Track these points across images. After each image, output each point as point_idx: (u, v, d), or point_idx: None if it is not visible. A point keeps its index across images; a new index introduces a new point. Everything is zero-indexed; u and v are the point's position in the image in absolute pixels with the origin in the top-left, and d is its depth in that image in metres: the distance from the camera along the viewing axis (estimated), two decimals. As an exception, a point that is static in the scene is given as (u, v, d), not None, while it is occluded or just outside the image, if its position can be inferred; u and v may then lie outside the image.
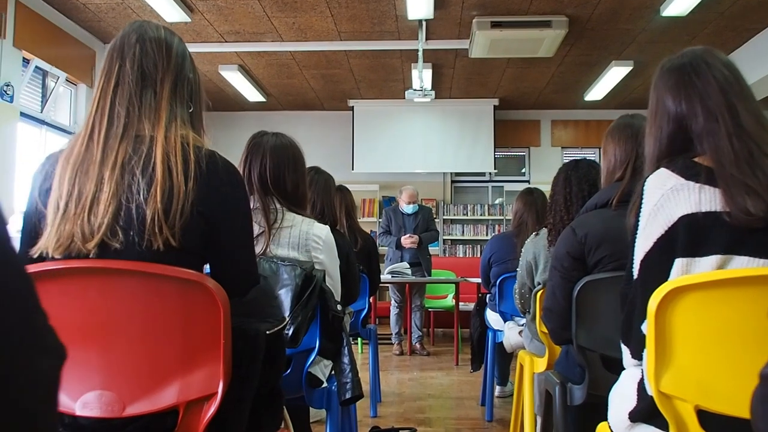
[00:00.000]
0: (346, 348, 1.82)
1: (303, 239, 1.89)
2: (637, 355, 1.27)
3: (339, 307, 1.78)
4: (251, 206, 1.94)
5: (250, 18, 5.97)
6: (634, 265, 1.28)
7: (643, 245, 1.24)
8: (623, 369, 1.59)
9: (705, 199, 1.17)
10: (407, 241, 6.16)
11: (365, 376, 4.27)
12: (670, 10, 5.63)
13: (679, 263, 1.17)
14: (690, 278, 1.14)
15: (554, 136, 9.39)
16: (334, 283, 1.99)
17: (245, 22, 6.07)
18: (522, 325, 3.35)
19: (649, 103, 1.40)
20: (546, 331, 2.55)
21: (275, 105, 9.03)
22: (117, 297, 1.07)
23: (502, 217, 9.13)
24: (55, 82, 6.23)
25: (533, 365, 2.70)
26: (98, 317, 1.06)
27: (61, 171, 1.15)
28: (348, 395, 1.81)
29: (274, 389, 1.27)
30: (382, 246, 6.86)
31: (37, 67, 5.78)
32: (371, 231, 6.76)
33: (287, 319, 1.26)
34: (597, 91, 8.10)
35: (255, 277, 1.27)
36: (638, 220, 1.27)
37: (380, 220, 7.11)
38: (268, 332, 1.15)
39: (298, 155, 2.08)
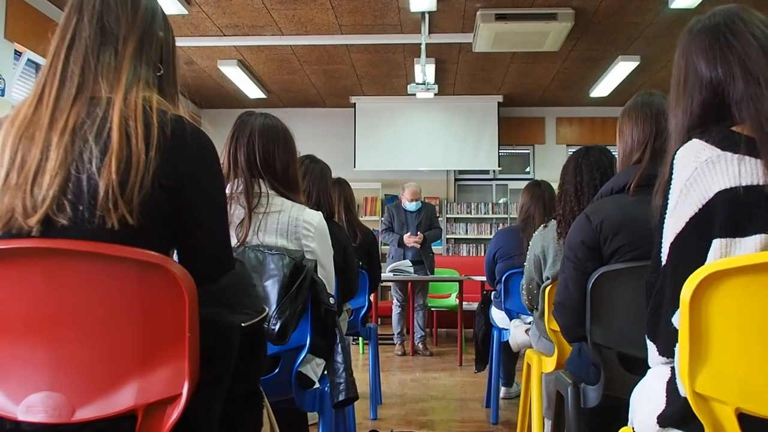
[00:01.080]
0: (339, 345, 1.67)
1: (292, 225, 1.75)
2: (666, 351, 1.12)
3: (332, 301, 1.63)
4: (237, 189, 1.79)
5: (248, 10, 5.83)
6: (662, 250, 1.12)
7: (673, 226, 1.09)
8: (646, 368, 1.44)
9: (746, 171, 1.02)
10: (411, 240, 6.01)
11: (365, 377, 4.16)
12: (678, 2, 5.47)
13: (717, 245, 1.01)
14: (730, 261, 0.99)
15: (559, 133, 9.24)
16: (326, 274, 1.84)
17: (244, 14, 5.93)
18: (529, 323, 3.20)
19: (675, 73, 1.25)
20: (556, 328, 2.41)
21: (276, 102, 8.89)
22: (65, 283, 0.92)
23: (506, 216, 8.98)
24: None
25: (541, 365, 2.55)
26: (44, 307, 0.91)
27: (4, 136, 1.00)
28: (341, 397, 1.66)
29: (252, 391, 1.12)
30: (384, 244, 6.74)
31: (29, 59, 5.64)
32: (373, 230, 6.60)
33: (267, 310, 1.11)
34: (602, 88, 7.95)
35: (228, 262, 1.11)
36: (667, 200, 1.12)
37: (382, 218, 6.96)
38: (243, 325, 1.00)
39: (288, 136, 1.94)
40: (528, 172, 9.34)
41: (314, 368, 1.78)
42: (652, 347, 1.16)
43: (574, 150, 8.73)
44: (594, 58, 7.09)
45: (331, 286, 1.86)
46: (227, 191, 1.80)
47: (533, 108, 9.17)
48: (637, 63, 7.04)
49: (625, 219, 1.63)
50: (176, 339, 0.91)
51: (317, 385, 1.77)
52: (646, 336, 1.17)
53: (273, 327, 1.45)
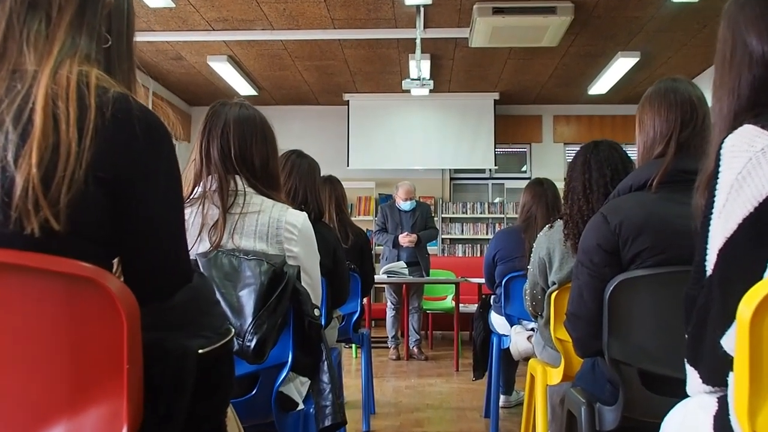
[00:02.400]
0: (325, 363, 1.48)
1: (273, 228, 1.56)
2: (711, 379, 0.94)
3: (317, 313, 1.44)
4: (210, 187, 1.60)
5: (238, 3, 5.64)
6: (707, 258, 0.94)
7: (722, 229, 0.90)
8: (673, 389, 1.27)
9: None
10: (405, 239, 5.82)
11: (358, 383, 3.97)
12: (681, -5, 5.32)
13: None
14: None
15: (556, 131, 9.09)
16: (312, 282, 1.65)
17: (233, 8, 5.73)
18: (531, 330, 3.02)
19: (719, 48, 1.06)
20: (562, 337, 2.23)
21: (268, 99, 8.69)
22: (-28, 302, 0.73)
23: (502, 216, 8.82)
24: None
25: (546, 376, 2.37)
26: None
27: None
28: (328, 422, 1.47)
29: (216, 429, 0.93)
30: (378, 245, 6.55)
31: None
32: (367, 230, 6.41)
33: (234, 331, 0.91)
34: (601, 85, 7.79)
35: (184, 274, 0.91)
36: (713, 197, 0.94)
37: (376, 218, 6.77)
38: (201, 351, 0.81)
39: (267, 128, 1.74)
40: (525, 171, 9.18)
41: (298, 387, 1.60)
42: (692, 373, 0.98)
43: (571, 149, 8.48)
44: (593, 53, 6.93)
45: (317, 296, 1.67)
46: (199, 189, 1.62)
47: (530, 106, 9.02)
48: (637, 59, 6.89)
49: (648, 219, 1.46)
50: (113, 372, 0.72)
51: (301, 406, 1.58)
52: (685, 360, 0.99)
53: (248, 344, 1.27)
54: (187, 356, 0.79)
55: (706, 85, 1.60)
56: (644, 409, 1.46)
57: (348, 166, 8.44)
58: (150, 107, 0.94)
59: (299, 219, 1.62)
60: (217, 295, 1.30)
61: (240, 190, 1.59)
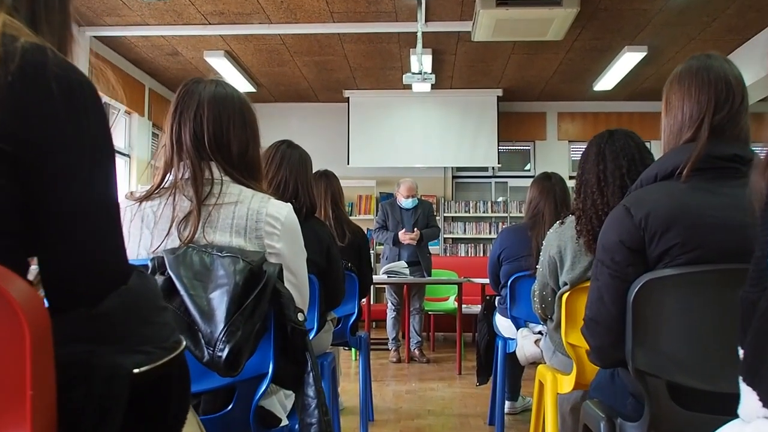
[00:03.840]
0: (311, 374, 1.30)
1: (252, 221, 1.38)
2: (776, 401, 0.76)
3: (301, 317, 1.27)
4: (182, 176, 1.43)
5: (234, -4, 5.47)
6: None
7: None
8: (712, 407, 1.10)
9: None
10: (406, 237, 5.64)
11: (356, 389, 3.80)
12: (690, -12, 5.14)
13: None
14: None
15: (561, 129, 8.92)
16: (298, 282, 1.48)
17: (229, 1, 5.57)
18: (538, 333, 2.85)
19: None
20: (575, 342, 2.06)
21: (266, 96, 8.53)
22: None
23: (506, 215, 8.64)
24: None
25: (557, 384, 2.20)
26: None
27: None
28: (313, 441, 1.30)
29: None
30: (379, 244, 6.37)
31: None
32: (367, 230, 6.24)
33: (183, 345, 0.73)
34: (607, 81, 7.61)
35: (116, 272, 0.71)
36: None
37: (376, 216, 6.59)
38: (137, 371, 0.64)
39: (247, 109, 1.56)
40: (528, 170, 9.01)
41: (282, 401, 1.43)
42: (750, 394, 0.80)
43: (576, 146, 8.27)
44: (599, 48, 6.75)
45: (303, 298, 1.50)
46: (170, 177, 1.44)
47: (534, 102, 8.85)
48: (645, 53, 6.71)
49: (678, 211, 1.28)
50: (12, 398, 0.55)
51: (285, 422, 1.41)
52: (741, 378, 0.81)
53: (220, 353, 1.10)
54: (117, 376, 0.62)
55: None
56: (674, 426, 1.29)
57: (348, 164, 8.29)
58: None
59: (282, 211, 1.44)
60: (185, 299, 1.13)
61: (216, 178, 1.41)
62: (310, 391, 1.27)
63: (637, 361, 1.30)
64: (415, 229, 5.72)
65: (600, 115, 8.78)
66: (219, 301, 1.13)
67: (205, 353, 1.12)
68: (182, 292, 1.15)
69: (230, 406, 1.28)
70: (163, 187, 1.42)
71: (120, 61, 7.04)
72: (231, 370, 1.11)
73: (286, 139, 2.45)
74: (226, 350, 1.09)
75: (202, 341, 1.12)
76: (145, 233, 1.39)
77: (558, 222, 2.21)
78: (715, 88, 1.35)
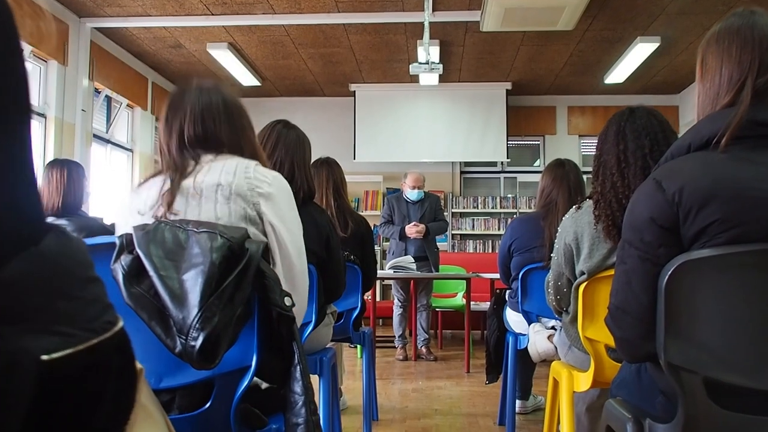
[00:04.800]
0: (298, 368, 1.15)
1: (241, 175, 1.29)
2: None
3: (288, 302, 1.12)
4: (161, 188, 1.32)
5: (236, -15, 5.34)
6: None
7: None
8: (757, 407, 0.95)
9: None
10: (412, 230, 5.47)
11: (360, 387, 3.64)
12: (706, -26, 4.97)
13: None
14: None
15: (571, 123, 8.75)
16: (290, 252, 1.33)
17: (232, -10, 5.44)
18: (551, 328, 2.69)
19: None
20: (592, 336, 1.91)
21: (272, 90, 8.40)
22: None
23: (515, 210, 8.49)
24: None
25: (573, 382, 2.05)
26: None
27: None
28: (300, 443, 1.15)
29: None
30: (386, 240, 6.21)
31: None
32: (374, 226, 6.08)
33: (117, 327, 0.58)
34: (618, 73, 7.44)
35: (16, 228, 0.51)
36: None
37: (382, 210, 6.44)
38: (47, 357, 0.49)
39: (232, 102, 1.47)
40: (537, 165, 8.84)
41: (265, 399, 1.28)
42: None
43: (587, 141, 8.09)
44: (610, 39, 6.58)
45: (292, 281, 1.35)
46: (155, 189, 1.33)
47: (543, 96, 8.69)
48: (657, 44, 6.54)
49: (716, 184, 1.13)
50: None
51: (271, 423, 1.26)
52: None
53: (193, 342, 0.96)
54: (18, 364, 0.47)
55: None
56: (711, 429, 1.14)
57: (355, 159, 8.16)
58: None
59: (271, 173, 1.34)
60: (155, 281, 0.99)
61: (205, 159, 1.31)
62: (297, 387, 1.12)
63: (670, 355, 1.14)
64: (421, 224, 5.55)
65: (611, 109, 8.58)
66: (193, 282, 0.99)
67: (177, 343, 0.98)
68: (152, 272, 1.01)
69: (208, 404, 1.13)
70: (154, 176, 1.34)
71: (122, 54, 6.93)
72: (206, 362, 0.97)
73: (283, 119, 2.31)
74: (200, 339, 0.95)
75: (174, 329, 0.98)
76: (137, 218, 1.29)
77: (574, 207, 2.05)
78: (760, 47, 1.19)
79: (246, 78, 7.65)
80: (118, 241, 1.07)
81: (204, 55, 7.02)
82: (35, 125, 5.68)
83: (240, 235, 1.08)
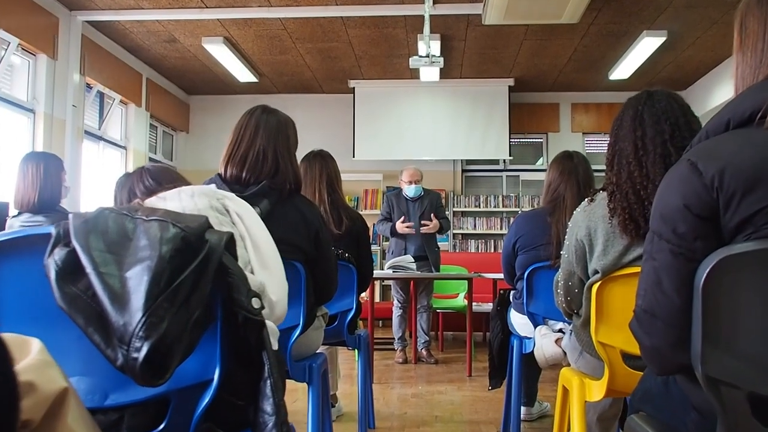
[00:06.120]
0: (269, 382, 0.97)
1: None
2: None
3: (256, 304, 0.95)
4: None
5: (231, -24, 5.18)
6: None
7: None
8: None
9: None
10: (402, 227, 5.23)
11: (356, 392, 3.47)
12: (715, -35, 4.80)
13: None
14: None
15: (575, 120, 8.57)
16: (265, 256, 1.16)
17: (226, -18, 5.28)
18: (558, 331, 2.52)
19: None
20: (606, 341, 1.74)
21: (269, 87, 8.24)
22: None
23: (517, 209, 8.31)
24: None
25: (585, 391, 1.87)
26: None
27: None
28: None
29: None
30: (386, 239, 6.03)
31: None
32: (373, 225, 5.89)
33: None
34: (623, 69, 7.27)
35: None
36: None
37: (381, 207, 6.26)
38: None
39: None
40: (540, 163, 8.67)
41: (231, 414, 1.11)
42: None
43: (591, 139, 7.86)
44: (616, 33, 6.41)
45: (272, 267, 1.17)
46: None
47: (547, 93, 8.52)
48: (664, 39, 6.37)
49: (763, 165, 0.96)
50: None
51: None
52: None
53: (135, 354, 0.79)
54: None
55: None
56: (756, 454, 0.97)
57: (354, 157, 8.02)
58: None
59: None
60: (93, 279, 0.82)
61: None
62: (267, 406, 0.95)
63: (709, 367, 0.97)
64: (414, 221, 5.33)
65: (615, 106, 8.32)
66: (137, 281, 0.82)
67: (119, 354, 0.81)
68: (89, 269, 0.84)
69: (163, 424, 0.96)
70: None
71: (115, 49, 6.76)
72: (153, 378, 0.80)
73: (262, 104, 2.13)
74: (144, 349, 0.78)
75: (115, 337, 0.81)
76: None
77: (587, 199, 1.88)
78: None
79: (243, 74, 7.49)
80: (54, 232, 0.90)
81: (200, 50, 6.87)
82: (24, 121, 5.51)
83: (198, 224, 0.91)
